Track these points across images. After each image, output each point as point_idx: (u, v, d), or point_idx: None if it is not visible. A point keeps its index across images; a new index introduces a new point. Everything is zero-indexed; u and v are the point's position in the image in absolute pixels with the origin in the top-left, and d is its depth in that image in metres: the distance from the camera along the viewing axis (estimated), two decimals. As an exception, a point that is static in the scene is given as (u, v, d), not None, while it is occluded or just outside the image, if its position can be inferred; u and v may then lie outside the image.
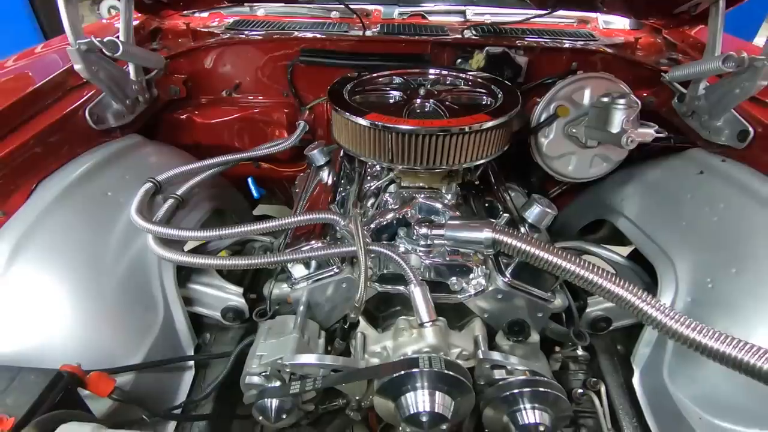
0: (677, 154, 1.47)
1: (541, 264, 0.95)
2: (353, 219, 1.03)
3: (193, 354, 1.21)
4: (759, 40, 4.00)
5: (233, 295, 1.31)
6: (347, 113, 1.09)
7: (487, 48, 1.56)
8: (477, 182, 1.36)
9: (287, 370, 0.99)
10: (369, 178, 1.37)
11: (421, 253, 1.12)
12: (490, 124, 1.06)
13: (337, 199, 1.36)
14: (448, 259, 1.10)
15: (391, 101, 1.25)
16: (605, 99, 1.36)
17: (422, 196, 1.22)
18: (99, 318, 1.03)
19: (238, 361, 1.13)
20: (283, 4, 1.88)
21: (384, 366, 0.96)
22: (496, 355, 1.04)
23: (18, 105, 1.15)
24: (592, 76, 1.47)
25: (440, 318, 1.06)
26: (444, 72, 1.36)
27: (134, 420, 0.93)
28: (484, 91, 1.29)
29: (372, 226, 1.18)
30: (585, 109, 1.46)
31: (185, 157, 1.56)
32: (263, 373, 1.01)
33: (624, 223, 1.45)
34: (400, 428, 0.95)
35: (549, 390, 1.02)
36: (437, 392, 0.94)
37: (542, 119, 1.47)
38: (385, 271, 1.14)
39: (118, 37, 1.35)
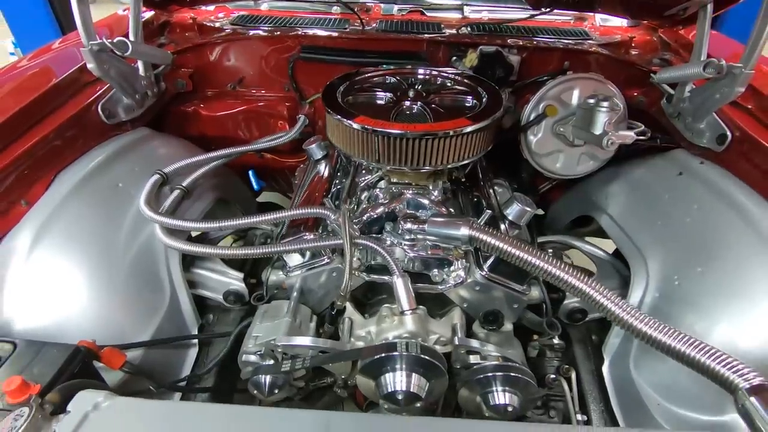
0: (661, 155, 1.52)
1: (513, 260, 1.03)
2: (342, 214, 1.11)
3: (196, 333, 1.31)
4: None
5: (234, 280, 1.41)
6: (338, 116, 1.17)
7: (480, 47, 1.60)
8: (464, 179, 1.43)
9: (279, 350, 1.09)
10: (364, 172, 1.45)
11: (405, 247, 1.20)
12: (470, 128, 1.13)
13: (332, 191, 1.44)
14: (430, 252, 1.19)
15: (381, 102, 1.31)
16: (591, 101, 1.41)
17: (410, 192, 1.30)
18: (111, 299, 1.14)
19: (237, 340, 1.24)
20: (285, 0, 1.94)
21: (366, 349, 1.06)
22: (471, 342, 1.14)
23: (39, 101, 1.24)
24: (580, 76, 1.52)
25: (420, 307, 1.15)
26: (434, 72, 1.42)
27: (142, 390, 1.04)
28: (469, 92, 1.35)
29: (363, 218, 1.26)
30: (573, 109, 1.51)
31: (191, 149, 1.65)
32: (258, 352, 1.12)
33: (605, 220, 1.52)
34: (380, 403, 1.05)
35: (519, 375, 1.11)
36: (414, 374, 1.03)
37: (531, 118, 1.53)
38: (372, 263, 1.23)
39: (128, 36, 1.43)
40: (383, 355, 1.02)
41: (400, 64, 1.56)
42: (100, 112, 1.36)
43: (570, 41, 1.67)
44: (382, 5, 1.86)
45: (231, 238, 1.70)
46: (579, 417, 1.21)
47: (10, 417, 0.61)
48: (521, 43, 1.63)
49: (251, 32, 1.71)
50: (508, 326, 1.21)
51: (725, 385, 0.77)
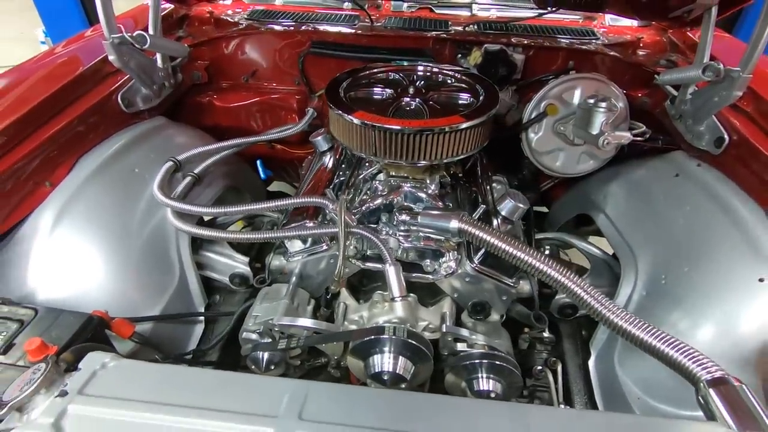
0: (661, 156, 1.53)
1: (499, 253, 1.08)
2: (339, 204, 1.18)
3: (203, 311, 1.40)
4: None
5: (240, 264, 1.49)
6: (338, 110, 1.22)
7: (485, 45, 1.63)
8: (461, 174, 1.48)
9: (276, 329, 1.17)
10: (367, 164, 1.51)
11: (400, 237, 1.26)
12: (464, 125, 1.17)
13: (336, 182, 1.50)
14: (423, 243, 1.24)
15: (382, 98, 1.37)
16: (591, 101, 1.44)
17: (408, 185, 1.35)
18: (125, 276, 1.23)
19: (240, 319, 1.32)
20: (299, -5, 2.00)
21: (356, 331, 1.13)
22: (458, 330, 1.19)
23: (65, 89, 1.34)
24: (582, 76, 1.54)
25: (411, 294, 1.21)
26: (435, 69, 1.47)
27: (150, 360, 1.13)
28: (467, 89, 1.39)
29: (363, 209, 1.32)
30: (573, 109, 1.53)
31: (205, 138, 1.73)
32: (257, 331, 1.19)
33: (602, 219, 1.54)
34: (368, 383, 1.12)
35: (503, 364, 1.16)
36: (401, 357, 1.09)
37: (533, 116, 1.56)
38: (368, 252, 1.29)
39: (147, 29, 1.52)
40: (372, 337, 1.08)
41: (406, 60, 1.61)
42: (120, 102, 1.45)
43: (575, 41, 1.68)
44: (392, 2, 1.90)
45: (241, 224, 1.79)
46: (562, 407, 1.25)
47: (29, 371, 0.70)
48: (526, 42, 1.65)
49: (264, 27, 1.78)
50: (495, 317, 1.26)
51: (688, 376, 0.80)
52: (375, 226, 1.29)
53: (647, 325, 0.88)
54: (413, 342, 1.08)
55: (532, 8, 1.80)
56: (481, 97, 1.32)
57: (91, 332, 0.91)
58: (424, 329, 1.21)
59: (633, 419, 0.78)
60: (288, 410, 0.66)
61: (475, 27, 1.72)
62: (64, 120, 1.29)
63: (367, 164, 1.51)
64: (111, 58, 1.36)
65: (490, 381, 1.18)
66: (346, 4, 1.91)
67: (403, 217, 1.23)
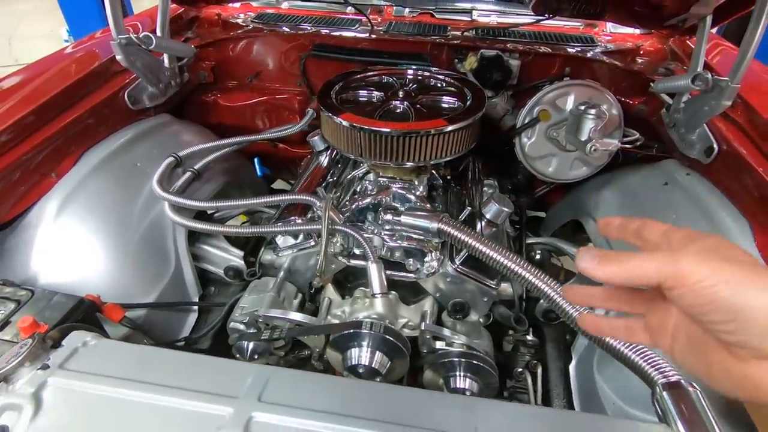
0: (653, 164, 1.54)
1: (476, 254, 1.10)
2: (325, 202, 1.22)
3: (196, 301, 1.46)
4: None
5: (235, 257, 1.55)
6: (327, 111, 1.27)
7: (481, 50, 1.66)
8: (449, 177, 1.50)
9: (261, 320, 1.22)
10: (358, 165, 1.55)
11: (385, 236, 1.29)
12: (447, 128, 1.21)
13: (329, 180, 1.55)
14: (406, 243, 1.27)
15: (372, 101, 1.41)
16: (581, 107, 1.45)
17: (396, 186, 1.39)
18: (121, 264, 1.29)
19: (231, 310, 1.37)
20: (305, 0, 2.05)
21: (335, 325, 1.17)
22: (436, 329, 1.22)
23: (75, 85, 1.41)
24: (577, 83, 1.55)
25: (392, 292, 1.25)
26: (426, 73, 1.50)
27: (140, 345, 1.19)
28: (456, 93, 1.42)
29: (352, 207, 1.37)
30: (566, 115, 1.55)
31: (207, 135, 1.80)
32: (243, 321, 1.24)
33: (591, 225, 1.55)
34: (344, 375, 1.16)
35: (480, 363, 1.19)
36: (377, 352, 1.13)
37: (526, 121, 1.58)
38: (356, 250, 1.33)
39: (155, 31, 1.59)
40: (350, 331, 1.12)
41: (403, 64, 1.65)
42: (126, 99, 1.53)
43: (573, 48, 1.70)
44: (394, 7, 1.94)
45: (244, 219, 1.85)
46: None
47: (17, 346, 0.76)
48: (522, 48, 1.67)
49: (268, 29, 1.84)
50: (474, 317, 1.28)
51: (646, 379, 0.82)
52: (360, 224, 1.33)
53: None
54: (390, 338, 1.12)
55: (531, 15, 1.81)
56: (468, 101, 1.34)
57: (82, 314, 0.97)
58: (404, 326, 1.24)
59: (580, 416, 0.80)
60: (249, 392, 0.71)
61: (473, 33, 1.75)
62: (72, 115, 1.37)
63: (357, 165, 1.55)
64: (118, 57, 1.43)
65: (467, 380, 1.20)
66: (349, 9, 1.96)
67: (388, 216, 1.26)
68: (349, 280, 1.40)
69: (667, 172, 1.44)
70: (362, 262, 1.30)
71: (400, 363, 1.15)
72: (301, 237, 1.38)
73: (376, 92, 1.42)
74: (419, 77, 1.50)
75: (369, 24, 1.78)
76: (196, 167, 1.55)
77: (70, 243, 1.25)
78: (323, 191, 1.45)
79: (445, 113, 1.28)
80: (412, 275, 1.28)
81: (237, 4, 2.09)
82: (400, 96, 1.36)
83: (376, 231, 1.30)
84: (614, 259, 0.44)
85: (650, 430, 0.70)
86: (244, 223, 1.83)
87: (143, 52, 1.51)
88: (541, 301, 1.44)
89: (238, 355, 1.23)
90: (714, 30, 1.49)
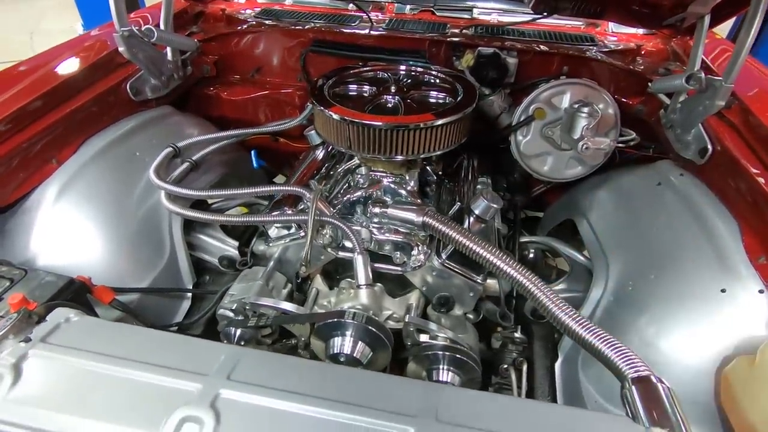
0: (648, 164, 1.52)
1: (460, 247, 1.12)
2: (314, 193, 1.24)
3: (189, 288, 1.49)
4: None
5: (230, 247, 1.58)
6: (318, 104, 1.29)
7: (479, 48, 1.66)
8: (441, 173, 1.51)
9: (248, 307, 1.24)
10: (349, 158, 1.56)
11: (373, 229, 1.31)
12: (437, 122, 1.22)
13: (323, 173, 1.57)
14: (394, 236, 1.29)
15: (364, 95, 1.42)
16: (575, 106, 1.45)
17: (387, 180, 1.40)
18: (117, 250, 1.33)
19: (223, 298, 1.41)
20: (307, -4, 2.08)
21: (319, 314, 1.19)
22: (420, 321, 1.23)
23: (78, 75, 1.46)
24: (572, 82, 1.54)
25: (378, 284, 1.26)
26: (419, 69, 1.51)
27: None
28: (448, 88, 1.43)
29: (344, 200, 1.38)
30: (562, 114, 1.54)
31: (208, 128, 1.83)
32: (231, 309, 1.27)
33: (584, 225, 1.54)
34: (326, 362, 1.17)
35: (463, 358, 1.20)
36: (360, 342, 1.15)
37: (522, 119, 1.58)
38: (346, 242, 1.35)
39: (158, 25, 1.63)
40: (332, 320, 1.14)
41: (399, 60, 1.66)
42: (128, 90, 1.57)
43: (572, 47, 1.69)
44: (395, 4, 1.95)
45: (244, 211, 1.88)
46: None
47: (3, 320, 0.79)
48: (519, 46, 1.67)
49: (270, 25, 1.87)
50: (458, 312, 1.29)
51: (616, 372, 0.82)
52: (349, 217, 1.34)
53: (585, 321, 0.90)
54: (372, 328, 1.13)
55: (531, 14, 1.81)
56: (459, 97, 1.35)
57: (72, 294, 1.01)
58: (388, 318, 1.26)
59: (540, 405, 0.81)
60: (219, 371, 0.73)
61: (473, 30, 1.75)
62: (75, 104, 1.41)
63: (350, 158, 1.56)
64: (121, 49, 1.47)
65: (450, 373, 1.21)
66: (350, 6, 1.98)
67: (376, 209, 1.28)
68: (338, 272, 1.42)
69: (661, 173, 1.43)
70: (351, 254, 1.31)
71: (382, 354, 1.17)
72: (293, 228, 1.40)
73: (368, 87, 1.44)
74: (413, 73, 1.51)
75: (369, 21, 1.80)
76: (194, 158, 1.59)
77: (68, 227, 1.29)
78: (315, 183, 1.47)
79: (434, 108, 1.29)
80: (398, 268, 1.29)
81: (242, 0, 2.12)
82: (392, 91, 1.38)
83: (364, 224, 1.31)
84: None
85: (608, 420, 0.70)
86: (243, 214, 1.87)
87: (146, 44, 1.55)
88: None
89: (225, 341, 1.26)
90: (725, 35, 1.48)
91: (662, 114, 1.54)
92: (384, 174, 1.41)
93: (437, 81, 1.49)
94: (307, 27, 1.83)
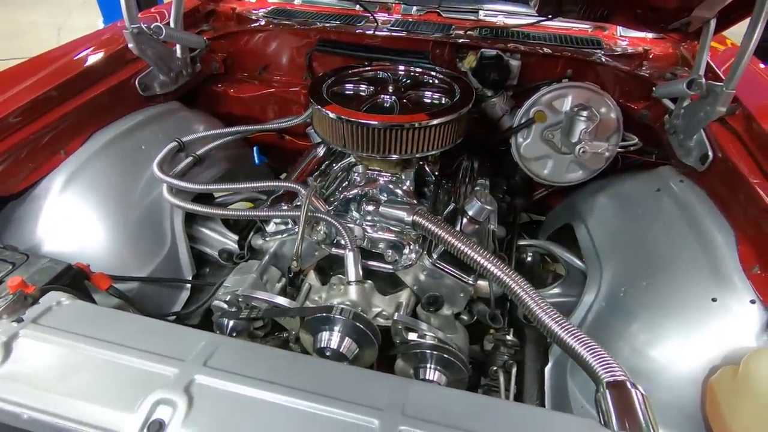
0: (649, 170, 1.50)
1: (449, 247, 1.12)
2: (308, 190, 1.26)
3: (187, 279, 1.53)
4: None
5: (230, 241, 1.62)
6: (315, 103, 1.31)
7: (482, 50, 1.66)
8: (437, 173, 1.52)
9: (240, 300, 1.27)
10: (346, 156, 1.58)
11: (366, 227, 1.32)
12: (433, 122, 1.23)
13: (321, 170, 1.59)
14: (386, 234, 1.30)
15: (361, 94, 1.44)
16: (575, 109, 1.44)
17: (383, 179, 1.42)
18: (119, 239, 1.37)
19: (220, 290, 1.44)
20: (316, -5, 2.11)
21: (308, 308, 1.21)
22: (408, 319, 1.24)
23: (89, 70, 1.51)
24: (575, 85, 1.53)
25: (368, 281, 1.28)
26: (418, 70, 1.52)
27: (128, 315, 1.26)
28: (445, 89, 1.43)
29: (341, 197, 1.40)
30: (562, 117, 1.53)
31: (214, 124, 1.87)
32: (225, 300, 1.30)
33: (582, 230, 1.53)
34: (313, 356, 1.19)
35: (451, 358, 1.20)
36: (347, 337, 1.16)
37: (522, 122, 1.58)
38: (340, 239, 1.37)
39: (168, 23, 1.68)
40: (321, 315, 1.16)
41: (400, 61, 1.67)
42: (137, 85, 1.62)
43: (576, 50, 1.67)
44: (402, 5, 1.97)
45: (249, 206, 1.92)
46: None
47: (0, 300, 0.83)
48: (523, 48, 1.66)
49: (278, 24, 1.90)
50: (447, 311, 1.29)
51: (592, 375, 0.82)
52: (343, 214, 1.36)
53: (566, 323, 0.90)
54: (359, 325, 1.15)
55: (536, 17, 1.80)
56: (456, 98, 1.36)
57: (70, 279, 1.05)
58: (377, 315, 1.27)
59: (510, 406, 0.81)
60: (197, 357, 0.75)
61: (477, 32, 1.75)
62: (84, 98, 1.47)
63: (345, 156, 1.58)
64: (130, 46, 1.52)
65: (436, 372, 1.22)
66: (357, 6, 2.00)
67: (369, 207, 1.30)
68: (332, 269, 1.43)
69: (661, 179, 1.41)
70: (344, 251, 1.33)
71: (368, 351, 1.18)
72: (290, 224, 1.43)
73: (366, 86, 1.45)
74: (412, 73, 1.52)
75: (374, 21, 1.82)
76: (198, 153, 1.62)
77: (73, 216, 1.34)
78: (312, 180, 1.50)
79: (430, 108, 1.30)
80: (389, 266, 1.30)
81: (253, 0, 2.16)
82: (390, 91, 1.39)
83: (358, 221, 1.33)
84: None
85: (576, 423, 0.70)
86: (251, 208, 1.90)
87: (155, 41, 1.59)
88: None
89: (218, 332, 1.29)
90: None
91: (666, 119, 1.52)
92: (380, 173, 1.42)
93: (435, 82, 1.50)
94: (313, 27, 1.85)
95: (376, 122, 1.22)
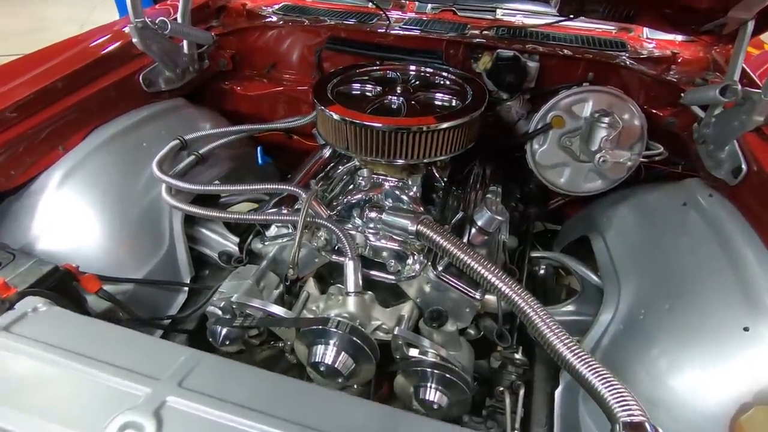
0: (675, 182, 1.40)
1: (454, 260, 1.05)
2: (309, 194, 1.20)
3: (185, 282, 1.48)
4: None
5: (230, 243, 1.57)
6: (318, 103, 1.25)
7: (498, 50, 1.58)
8: (446, 179, 1.44)
9: (235, 307, 1.21)
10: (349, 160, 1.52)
11: (369, 234, 1.25)
12: (440, 126, 1.15)
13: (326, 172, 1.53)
14: (389, 243, 1.23)
15: (368, 95, 1.37)
16: (596, 115, 1.35)
17: (389, 184, 1.35)
18: (115, 238, 1.33)
19: (217, 295, 1.39)
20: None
21: (304, 319, 1.15)
22: (409, 334, 1.16)
23: (93, 64, 1.48)
24: (596, 89, 1.44)
25: (368, 292, 1.21)
26: (429, 70, 1.45)
27: (119, 319, 1.22)
28: (457, 91, 1.35)
29: (344, 202, 1.34)
30: (581, 123, 1.44)
31: (220, 122, 1.83)
32: (219, 306, 1.25)
33: (599, 243, 1.43)
34: (308, 371, 1.13)
35: (453, 378, 1.13)
36: (343, 352, 1.10)
37: (539, 127, 1.49)
38: (340, 246, 1.30)
39: (175, 18, 1.64)
40: (316, 327, 1.09)
41: (414, 60, 1.60)
42: (141, 81, 1.58)
43: (599, 52, 1.58)
44: (416, 3, 1.89)
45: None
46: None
47: (-25, 304, 0.79)
48: (541, 50, 1.58)
49: (287, 21, 1.85)
50: (451, 327, 1.21)
51: (607, 412, 0.74)
52: (345, 220, 1.29)
53: (579, 350, 0.82)
54: (356, 339, 1.08)
55: (557, 16, 1.71)
56: (467, 100, 1.28)
57: (56, 282, 1.01)
58: (377, 329, 1.20)
59: None
60: (173, 375, 0.70)
61: (494, 32, 1.67)
62: (86, 93, 1.44)
63: (349, 159, 1.51)
64: (134, 40, 1.48)
65: (437, 393, 1.15)
66: (370, 4, 1.93)
67: (372, 214, 1.23)
68: (332, 276, 1.37)
69: (688, 192, 1.31)
70: (344, 259, 1.27)
71: (365, 367, 1.11)
72: (291, 228, 1.37)
73: (374, 87, 1.39)
74: (422, 74, 1.45)
75: (387, 19, 1.75)
76: (201, 151, 1.58)
77: (68, 213, 1.31)
78: (314, 183, 1.44)
79: (439, 111, 1.23)
80: (392, 277, 1.24)
81: (265, -5, 2.12)
82: (398, 91, 1.32)
83: (360, 228, 1.26)
84: None
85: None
86: (251, 210, 1.85)
87: (160, 36, 1.55)
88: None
89: (210, 339, 1.24)
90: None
91: (695, 128, 1.41)
92: (385, 178, 1.35)
93: (447, 83, 1.42)
94: (324, 24, 1.80)
95: (380, 124, 1.15)
